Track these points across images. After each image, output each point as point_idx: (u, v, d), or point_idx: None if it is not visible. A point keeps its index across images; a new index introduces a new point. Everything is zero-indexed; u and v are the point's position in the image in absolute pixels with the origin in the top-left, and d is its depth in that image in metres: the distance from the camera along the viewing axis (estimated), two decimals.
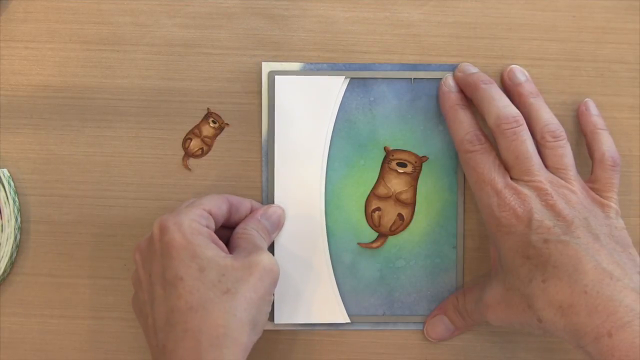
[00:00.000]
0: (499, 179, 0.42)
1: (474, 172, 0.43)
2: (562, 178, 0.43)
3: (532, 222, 0.41)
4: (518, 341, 0.49)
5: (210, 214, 0.43)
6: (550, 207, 0.41)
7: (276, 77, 0.47)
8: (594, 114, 0.46)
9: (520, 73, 0.46)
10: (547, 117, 0.44)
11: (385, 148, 0.48)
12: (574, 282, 0.38)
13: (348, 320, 0.47)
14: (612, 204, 0.43)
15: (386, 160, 0.48)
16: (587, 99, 0.47)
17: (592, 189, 0.44)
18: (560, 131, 0.44)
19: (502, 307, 0.42)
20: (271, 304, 0.42)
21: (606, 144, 0.45)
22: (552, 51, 0.48)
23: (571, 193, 0.42)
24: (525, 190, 0.42)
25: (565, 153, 0.43)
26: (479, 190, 0.43)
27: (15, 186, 0.48)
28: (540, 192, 0.41)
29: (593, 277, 0.38)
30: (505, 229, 0.41)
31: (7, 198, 0.47)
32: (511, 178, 0.43)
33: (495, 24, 0.48)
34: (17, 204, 0.48)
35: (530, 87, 0.46)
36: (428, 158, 0.48)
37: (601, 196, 0.43)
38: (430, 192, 0.48)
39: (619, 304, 0.37)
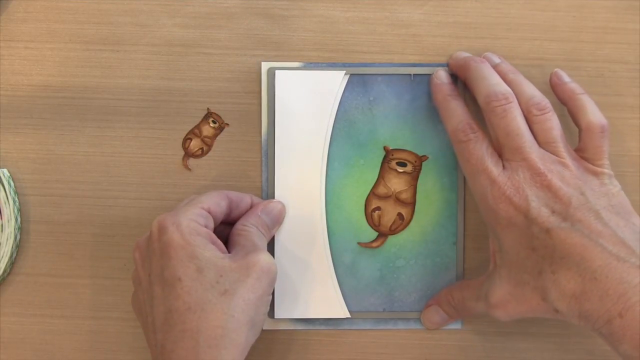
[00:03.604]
0: (492, 167, 0.42)
1: (467, 163, 0.43)
2: (552, 152, 0.42)
3: (530, 212, 0.40)
4: (518, 341, 0.48)
5: (209, 213, 0.43)
6: (546, 188, 0.41)
7: (277, 72, 0.47)
8: (568, 82, 0.46)
9: (494, 57, 0.46)
10: (530, 90, 0.44)
11: (385, 147, 0.48)
12: (583, 271, 0.38)
13: (348, 315, 0.47)
14: (605, 170, 0.42)
15: (386, 160, 0.48)
16: (556, 70, 0.46)
17: (583, 158, 0.43)
18: (546, 103, 0.43)
19: (513, 305, 0.41)
20: (269, 304, 0.42)
21: (590, 111, 0.44)
22: (552, 51, 0.48)
23: (564, 168, 0.41)
24: (519, 175, 0.41)
25: (553, 125, 0.43)
26: (474, 181, 0.42)
27: (15, 186, 0.48)
28: (533, 172, 0.41)
29: (600, 262, 0.38)
30: (505, 222, 0.41)
31: (7, 198, 0.47)
32: (503, 160, 0.42)
33: (495, 24, 0.48)
34: (17, 204, 0.48)
35: (506, 66, 0.46)
36: (428, 157, 0.48)
37: (593, 164, 0.42)
38: (430, 191, 0.48)
39: (628, 285, 0.37)
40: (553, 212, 0.40)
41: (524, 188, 0.41)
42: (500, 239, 0.42)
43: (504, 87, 0.43)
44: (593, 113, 0.44)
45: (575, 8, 0.48)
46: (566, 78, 0.46)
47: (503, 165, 0.42)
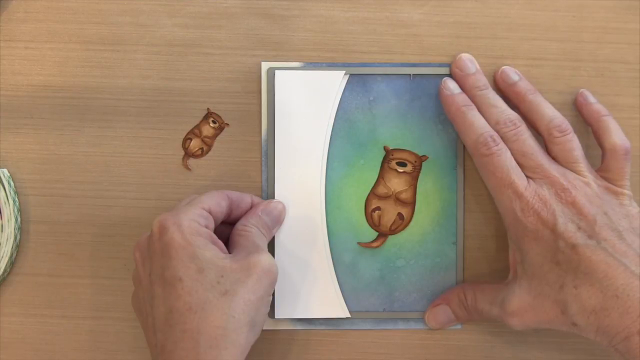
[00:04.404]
0: (519, 182, 0.42)
1: (492, 177, 0.43)
2: (574, 171, 0.43)
3: (558, 227, 0.41)
4: (518, 341, 0.48)
5: (210, 213, 0.43)
6: (571, 204, 0.41)
7: (276, 72, 0.47)
8: (594, 102, 0.47)
9: (513, 73, 0.46)
10: (550, 112, 0.44)
11: (385, 147, 0.48)
12: (606, 288, 0.39)
13: (348, 315, 0.47)
14: (626, 191, 0.43)
15: (386, 160, 0.48)
16: (581, 90, 0.47)
17: (604, 178, 0.44)
18: (566, 125, 0.44)
19: (531, 315, 0.42)
20: (269, 304, 0.42)
21: (615, 133, 0.45)
22: (552, 51, 0.48)
23: (586, 186, 0.42)
24: (545, 191, 0.42)
25: (574, 146, 0.44)
26: (500, 194, 0.43)
27: (15, 186, 0.48)
28: (557, 187, 0.42)
29: (623, 281, 0.39)
30: (532, 235, 0.41)
31: (7, 198, 0.47)
32: (526, 175, 0.43)
33: (495, 24, 0.48)
34: (17, 204, 0.48)
35: (525, 85, 0.46)
36: (428, 157, 0.48)
37: (615, 185, 0.43)
38: (430, 191, 0.48)
39: None
40: (579, 228, 0.41)
41: (550, 203, 0.41)
42: (524, 251, 0.42)
43: (510, 114, 0.44)
44: (617, 135, 0.45)
45: (575, 8, 0.48)
46: (592, 99, 0.47)
47: (527, 179, 0.42)
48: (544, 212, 0.41)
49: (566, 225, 0.41)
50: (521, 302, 0.42)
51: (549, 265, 0.41)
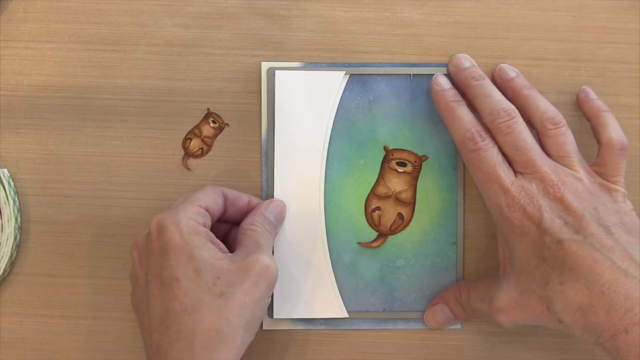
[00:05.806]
0: (505, 177, 0.42)
1: (479, 172, 0.43)
2: (566, 165, 0.42)
3: (544, 222, 0.40)
4: (518, 341, 0.48)
5: (207, 210, 0.42)
6: (559, 200, 0.41)
7: (276, 72, 0.47)
8: (595, 99, 0.46)
9: (510, 70, 0.46)
10: (544, 105, 0.44)
11: (385, 147, 0.48)
12: (591, 284, 0.39)
13: (346, 315, 0.47)
14: (620, 188, 0.43)
15: (386, 160, 0.48)
16: (583, 87, 0.47)
17: (598, 173, 0.43)
18: (560, 118, 0.43)
19: (517, 311, 0.42)
20: (267, 306, 0.42)
21: (612, 127, 0.44)
22: (552, 51, 0.48)
23: (577, 181, 0.42)
24: (533, 186, 0.41)
25: (567, 140, 0.43)
26: (487, 189, 0.42)
27: (15, 186, 0.48)
28: (546, 183, 0.41)
29: (609, 276, 0.38)
30: (518, 230, 0.41)
31: (7, 198, 0.47)
32: (515, 171, 0.42)
33: (495, 24, 0.48)
34: (17, 204, 0.48)
35: (522, 81, 0.46)
36: (428, 157, 0.48)
37: (608, 181, 0.43)
38: (430, 191, 0.48)
39: (635, 301, 0.38)
40: (566, 224, 0.40)
41: (537, 198, 0.41)
42: (512, 246, 0.42)
43: (506, 104, 0.43)
44: (615, 130, 0.44)
45: (575, 8, 0.48)
46: (593, 95, 0.47)
47: (515, 174, 0.42)
48: (530, 207, 0.41)
49: (552, 220, 0.40)
50: (508, 299, 0.42)
51: (535, 261, 0.41)
